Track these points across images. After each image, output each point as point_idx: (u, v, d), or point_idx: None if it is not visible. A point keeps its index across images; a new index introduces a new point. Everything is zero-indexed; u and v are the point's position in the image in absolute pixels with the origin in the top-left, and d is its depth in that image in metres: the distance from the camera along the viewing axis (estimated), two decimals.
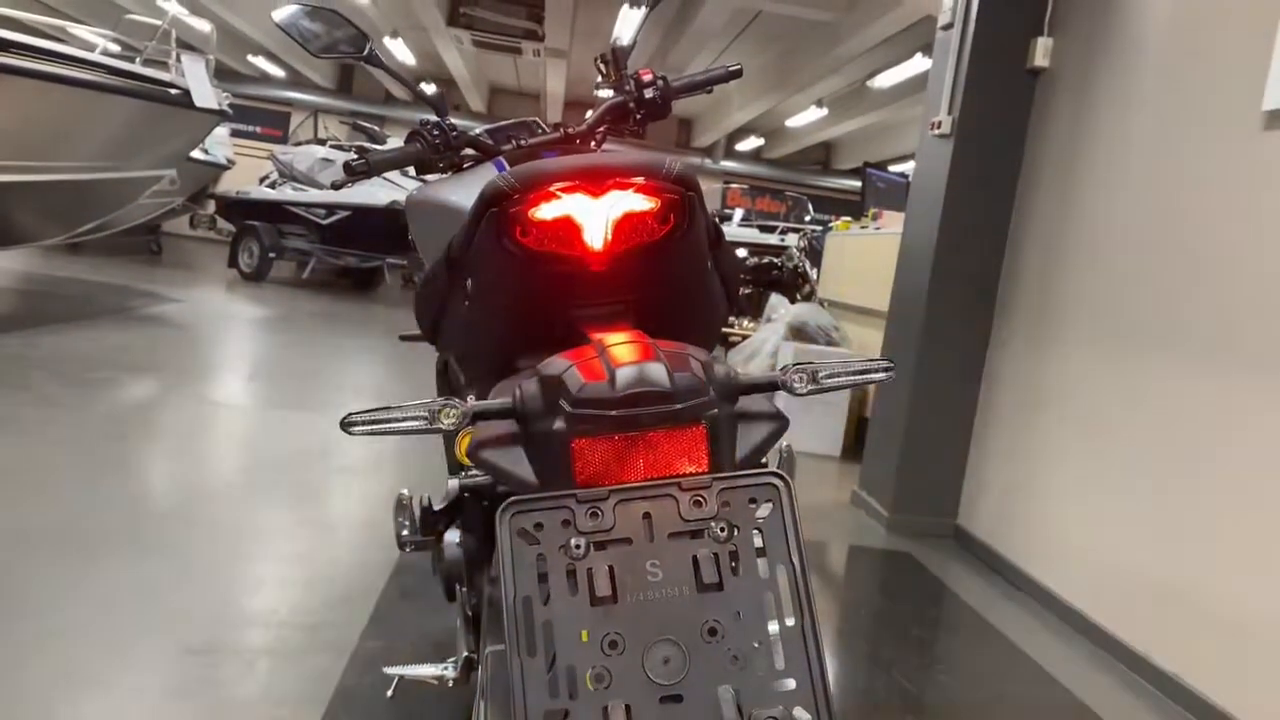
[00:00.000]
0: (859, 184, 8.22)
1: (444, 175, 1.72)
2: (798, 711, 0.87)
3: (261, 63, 16.89)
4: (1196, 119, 2.78)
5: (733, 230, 11.50)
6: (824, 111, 15.02)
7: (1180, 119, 2.85)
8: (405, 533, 1.42)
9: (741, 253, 9.51)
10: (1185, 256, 2.74)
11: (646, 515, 0.90)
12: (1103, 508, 2.97)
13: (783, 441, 1.10)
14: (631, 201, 1.06)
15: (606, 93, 1.81)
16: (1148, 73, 3.04)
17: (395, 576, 2.72)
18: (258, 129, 17.70)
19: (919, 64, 10.69)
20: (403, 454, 4.07)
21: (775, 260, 8.72)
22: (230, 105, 7.49)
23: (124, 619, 2.25)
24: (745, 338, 6.34)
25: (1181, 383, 2.69)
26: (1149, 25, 3.07)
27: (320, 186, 10.89)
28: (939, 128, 3.79)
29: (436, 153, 1.64)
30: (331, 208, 10.56)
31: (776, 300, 6.34)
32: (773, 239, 11.08)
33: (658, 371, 0.93)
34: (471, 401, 0.97)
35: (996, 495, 3.64)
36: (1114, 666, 2.75)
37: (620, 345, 0.98)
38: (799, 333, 5.58)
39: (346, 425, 0.92)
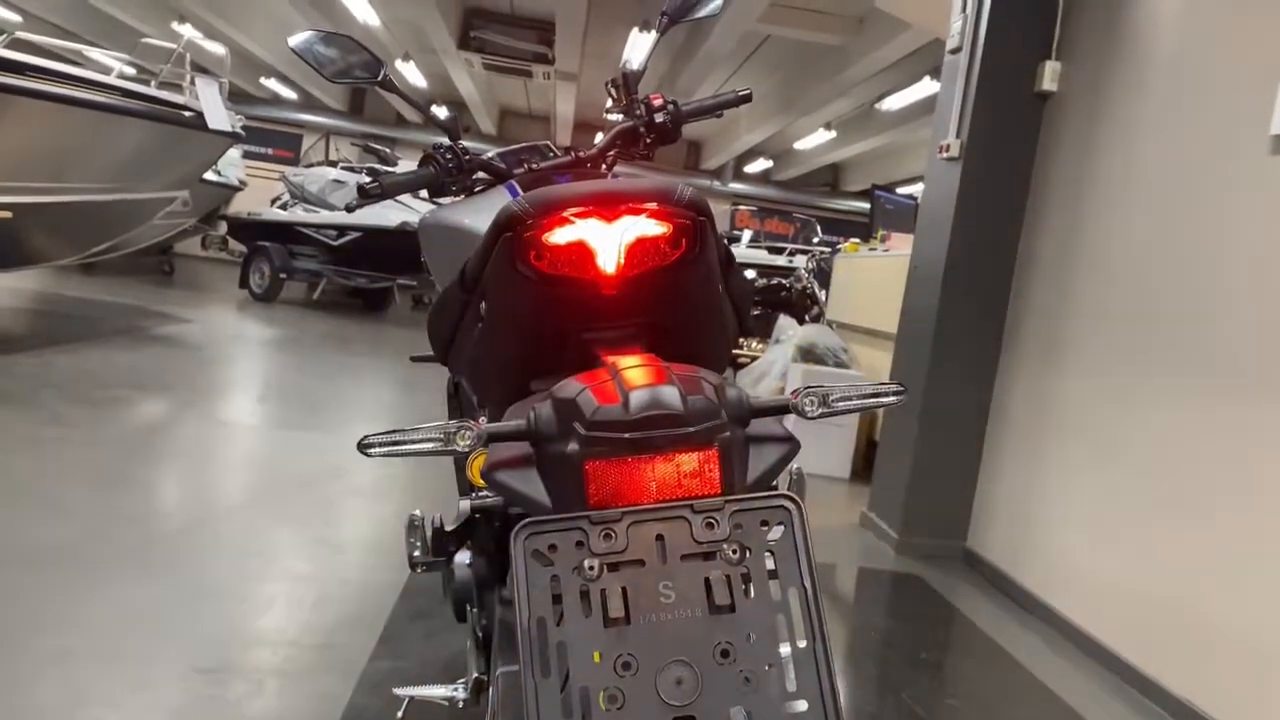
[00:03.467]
0: (867, 206, 8.26)
1: (456, 198, 1.74)
2: None
3: (274, 85, 17.04)
4: (1204, 143, 2.79)
5: (741, 252, 11.53)
6: (832, 134, 15.08)
7: (1188, 143, 2.86)
8: (417, 553, 1.42)
9: (750, 274, 9.53)
10: (1195, 279, 2.74)
11: (659, 537, 0.91)
12: (1113, 531, 2.96)
13: (793, 464, 1.11)
14: (644, 226, 1.07)
15: (616, 116, 1.82)
16: (1155, 96, 3.05)
17: (404, 597, 2.72)
18: (270, 151, 17.82)
19: (927, 87, 10.72)
20: (412, 475, 4.08)
21: (784, 282, 8.72)
22: (243, 127, 7.56)
23: (134, 638, 2.26)
24: (754, 359, 6.34)
25: (1193, 406, 2.68)
26: (1157, 49, 3.09)
27: (331, 208, 10.96)
28: (947, 151, 3.80)
29: (449, 176, 1.66)
30: (342, 229, 10.63)
31: (785, 322, 6.34)
32: (781, 260, 11.10)
33: (671, 394, 0.94)
34: (485, 423, 0.98)
35: (1006, 518, 3.63)
36: (1126, 691, 2.74)
37: (634, 368, 0.99)
38: (808, 354, 5.58)
39: (364, 447, 0.93)
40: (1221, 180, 2.70)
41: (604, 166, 1.77)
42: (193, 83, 6.92)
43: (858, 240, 7.03)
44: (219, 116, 6.88)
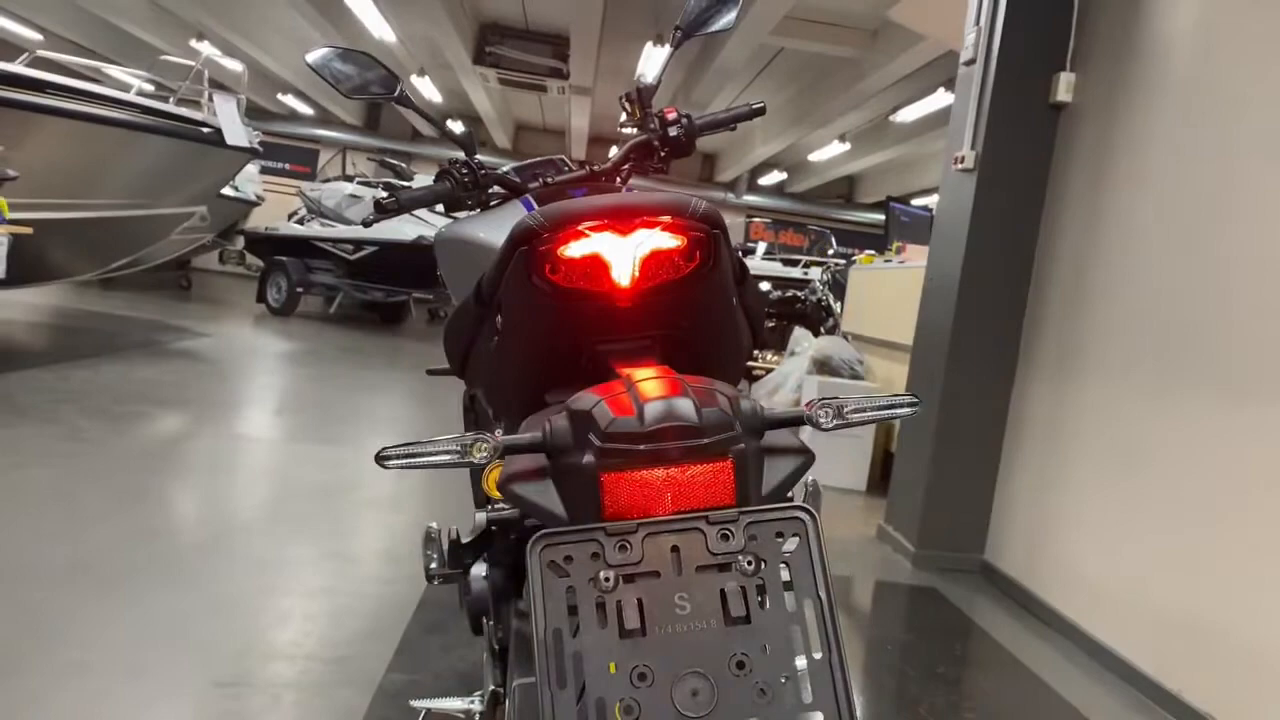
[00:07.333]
0: (882, 217, 8.25)
1: (472, 213, 1.75)
2: None
3: (291, 101, 17.17)
4: (1220, 152, 2.78)
5: (756, 264, 11.53)
6: (847, 146, 15.09)
7: (1204, 153, 2.85)
8: (434, 566, 1.43)
9: (765, 286, 9.53)
10: (1212, 289, 2.73)
11: (675, 549, 0.91)
12: (1132, 543, 2.94)
13: (808, 476, 1.11)
14: (658, 239, 1.08)
15: (631, 130, 1.83)
16: (1171, 107, 3.04)
17: (420, 610, 2.73)
18: (286, 166, 17.95)
19: (942, 99, 10.72)
20: (428, 488, 4.09)
21: (799, 294, 8.72)
22: (260, 143, 7.63)
23: (151, 651, 2.27)
24: (769, 371, 6.33)
25: (1212, 416, 2.67)
26: (1172, 60, 3.08)
27: (348, 222, 11.03)
28: (962, 162, 3.80)
29: (465, 191, 1.67)
30: (359, 243, 10.69)
31: (800, 334, 6.34)
32: (796, 272, 11.10)
33: (685, 406, 0.94)
34: (501, 436, 0.98)
35: (1024, 530, 3.61)
36: (1145, 705, 2.71)
37: (648, 380, 0.99)
38: (823, 366, 5.57)
39: (381, 459, 0.94)
40: (1238, 190, 2.69)
41: (618, 180, 1.78)
42: (211, 99, 7.00)
43: (873, 252, 7.02)
44: (237, 132, 6.95)
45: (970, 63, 3.87)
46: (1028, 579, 3.51)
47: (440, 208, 1.72)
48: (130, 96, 6.24)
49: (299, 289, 11.25)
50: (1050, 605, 3.32)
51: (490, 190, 1.71)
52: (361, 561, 3.14)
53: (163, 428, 4.65)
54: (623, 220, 1.07)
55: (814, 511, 0.94)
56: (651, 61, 10.60)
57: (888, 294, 5.74)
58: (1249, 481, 2.51)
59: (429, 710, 1.66)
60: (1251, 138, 2.66)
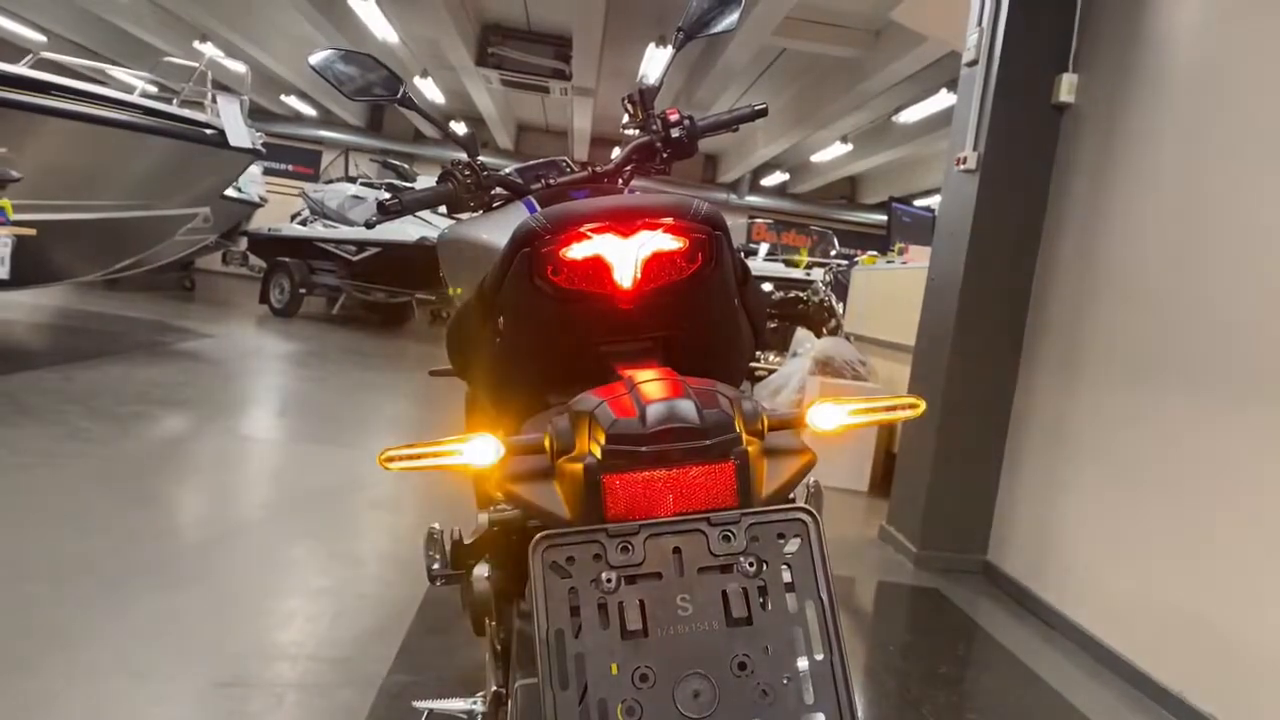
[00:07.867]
0: (885, 218, 8.25)
1: (475, 214, 1.75)
2: None
3: (294, 102, 17.18)
4: (1225, 155, 2.78)
5: (758, 265, 11.52)
6: (849, 147, 15.08)
7: (1208, 155, 2.85)
8: (436, 566, 1.43)
9: (767, 287, 9.52)
10: (1216, 292, 2.73)
11: (676, 550, 0.91)
12: (1135, 544, 2.94)
13: (810, 477, 1.11)
14: (660, 241, 1.08)
15: (633, 131, 1.83)
16: (1174, 108, 3.04)
17: (422, 611, 2.73)
18: (289, 167, 17.95)
19: (944, 99, 10.72)
20: (430, 489, 4.09)
21: (801, 295, 8.71)
22: (263, 144, 7.63)
23: (154, 652, 2.27)
24: (771, 372, 6.32)
25: (1216, 418, 2.66)
26: (1175, 61, 3.08)
27: (351, 223, 11.04)
28: (964, 163, 3.80)
29: (468, 192, 1.67)
30: (362, 244, 10.70)
31: (802, 335, 6.33)
32: (798, 273, 11.09)
33: (687, 408, 0.95)
34: (503, 437, 0.98)
35: (1026, 531, 3.61)
36: (1148, 706, 2.71)
37: (650, 382, 0.99)
38: (825, 367, 5.56)
39: (384, 460, 0.94)
40: (1242, 193, 2.69)
41: (620, 181, 1.78)
42: (214, 100, 7.01)
43: (875, 253, 7.02)
44: (240, 133, 6.96)
45: (973, 64, 3.87)
46: (1030, 580, 3.51)
47: (443, 209, 1.72)
48: (134, 98, 6.24)
49: (302, 290, 11.26)
50: (1053, 606, 3.31)
51: (493, 191, 1.71)
52: (364, 562, 3.14)
53: (166, 428, 4.66)
54: (624, 222, 1.07)
55: (815, 512, 0.94)
56: (654, 63, 10.60)
57: (890, 295, 5.74)
58: (1253, 483, 2.51)
59: (431, 711, 1.66)
60: (1255, 138, 2.66)
